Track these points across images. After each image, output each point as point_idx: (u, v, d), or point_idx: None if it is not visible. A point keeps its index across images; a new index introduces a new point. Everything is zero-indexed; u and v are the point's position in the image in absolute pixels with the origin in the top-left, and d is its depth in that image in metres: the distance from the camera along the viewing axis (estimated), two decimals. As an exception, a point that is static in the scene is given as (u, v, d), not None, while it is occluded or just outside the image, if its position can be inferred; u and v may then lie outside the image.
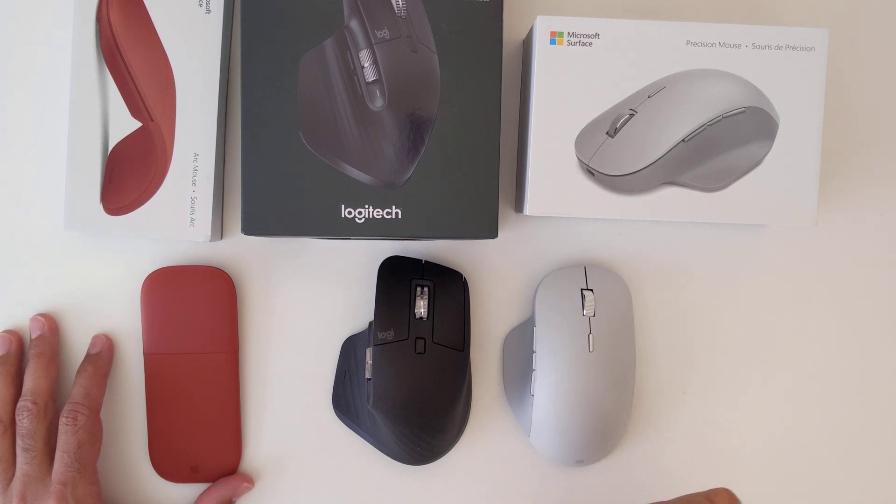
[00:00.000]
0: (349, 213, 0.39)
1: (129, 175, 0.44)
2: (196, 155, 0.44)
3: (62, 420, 0.42)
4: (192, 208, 0.44)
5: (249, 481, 0.46)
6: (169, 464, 0.46)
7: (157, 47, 0.44)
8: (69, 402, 0.43)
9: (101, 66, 0.44)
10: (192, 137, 0.44)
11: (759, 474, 0.48)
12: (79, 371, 0.45)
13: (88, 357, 0.45)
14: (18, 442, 0.42)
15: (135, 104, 0.44)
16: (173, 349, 0.46)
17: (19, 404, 0.43)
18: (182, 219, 0.44)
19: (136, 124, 0.44)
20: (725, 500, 0.43)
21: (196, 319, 0.46)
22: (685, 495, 0.42)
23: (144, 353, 0.46)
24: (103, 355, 0.45)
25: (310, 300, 0.47)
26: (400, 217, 0.40)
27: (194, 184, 0.44)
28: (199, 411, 0.46)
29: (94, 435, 0.43)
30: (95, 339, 0.46)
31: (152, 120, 0.44)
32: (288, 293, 0.47)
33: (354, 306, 0.47)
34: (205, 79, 0.44)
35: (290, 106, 0.39)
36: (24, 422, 0.42)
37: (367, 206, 0.39)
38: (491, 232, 0.40)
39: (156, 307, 0.46)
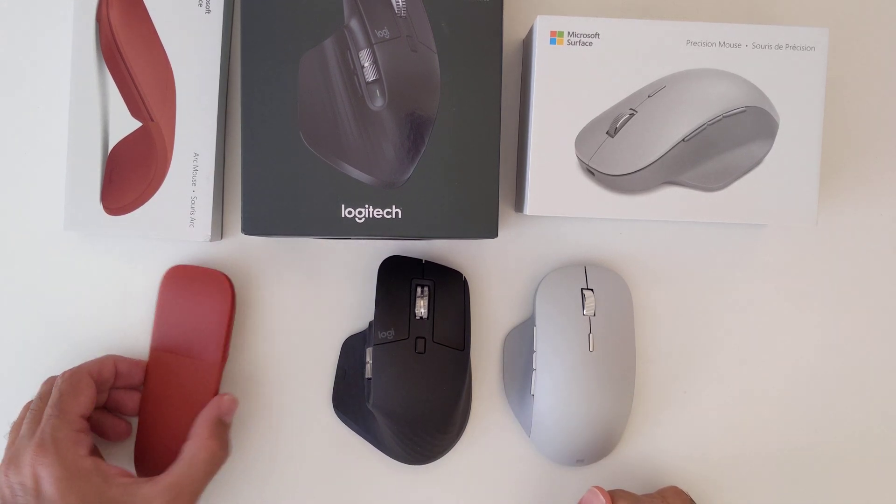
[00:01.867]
0: (349, 212, 0.39)
1: (129, 175, 0.44)
2: (196, 155, 0.44)
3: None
4: (192, 208, 0.44)
5: (231, 396, 0.44)
6: (151, 464, 0.45)
7: (157, 47, 0.44)
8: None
9: (101, 66, 0.44)
10: (192, 137, 0.44)
11: (759, 474, 0.48)
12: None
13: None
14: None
15: (135, 104, 0.44)
16: (177, 349, 0.45)
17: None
18: (182, 219, 0.44)
19: (136, 124, 0.44)
20: (677, 497, 0.42)
21: (199, 323, 0.45)
22: (643, 495, 0.42)
23: (151, 348, 0.46)
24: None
25: (310, 300, 0.47)
26: (400, 217, 0.40)
27: (194, 184, 0.44)
28: (189, 415, 0.44)
29: (76, 387, 0.41)
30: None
31: (152, 120, 0.44)
32: (288, 293, 0.47)
33: (354, 306, 0.47)
34: (205, 79, 0.44)
35: (290, 106, 0.39)
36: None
37: (367, 206, 0.39)
38: (491, 232, 0.40)
39: (169, 304, 0.46)
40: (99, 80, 0.44)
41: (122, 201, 0.44)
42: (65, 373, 0.42)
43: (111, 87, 0.44)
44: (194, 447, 0.41)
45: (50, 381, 0.43)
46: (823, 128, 0.41)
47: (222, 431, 0.43)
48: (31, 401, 0.42)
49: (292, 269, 0.47)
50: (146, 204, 0.44)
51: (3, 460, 0.40)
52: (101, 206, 0.44)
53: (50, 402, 0.41)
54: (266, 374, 0.47)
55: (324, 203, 0.39)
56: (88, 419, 0.42)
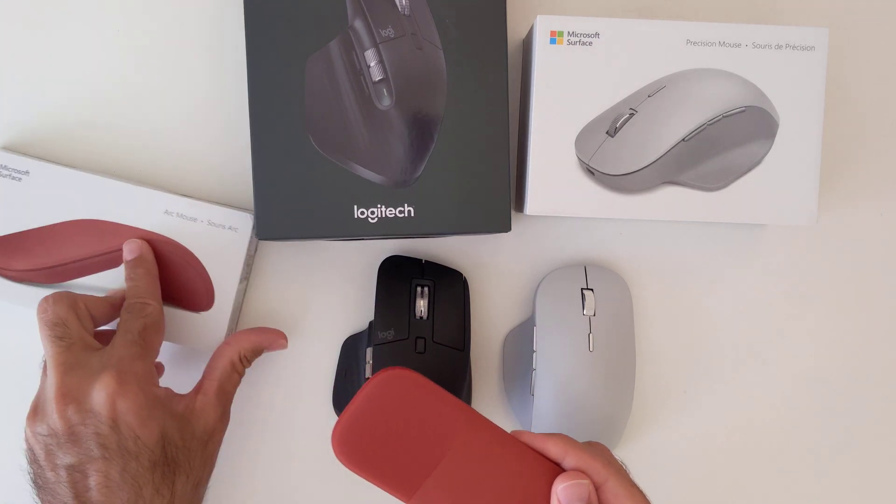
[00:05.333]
0: (362, 213, 0.39)
1: None
2: None
3: (125, 312, 0.40)
4: None
5: (285, 338, 0.45)
6: None
7: None
8: (130, 298, 0.41)
9: None
10: None
11: (759, 474, 0.48)
12: (129, 276, 0.42)
13: (132, 262, 0.42)
14: (118, 336, 0.40)
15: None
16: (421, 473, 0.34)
17: (132, 302, 0.41)
18: None
19: None
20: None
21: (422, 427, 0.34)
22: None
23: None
24: (146, 257, 0.43)
25: (310, 300, 0.47)
26: (412, 215, 0.40)
27: None
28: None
29: (159, 325, 0.41)
30: (130, 244, 0.43)
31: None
32: (288, 293, 0.47)
33: (354, 306, 0.47)
34: None
35: (297, 109, 0.39)
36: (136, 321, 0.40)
37: (379, 206, 0.39)
38: (504, 226, 0.40)
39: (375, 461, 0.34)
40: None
41: None
42: (145, 302, 0.41)
43: None
44: (226, 356, 0.42)
45: (65, 302, 0.39)
46: (823, 128, 0.42)
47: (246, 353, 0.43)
48: (53, 322, 0.39)
49: (292, 269, 0.47)
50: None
51: (58, 391, 0.37)
52: None
53: (129, 328, 0.40)
54: (266, 373, 0.47)
55: (336, 205, 0.39)
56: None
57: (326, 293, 0.47)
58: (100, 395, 0.37)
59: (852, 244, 0.48)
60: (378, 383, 0.34)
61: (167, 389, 0.41)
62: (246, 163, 0.43)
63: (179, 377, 0.45)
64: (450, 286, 0.45)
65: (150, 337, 0.40)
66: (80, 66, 0.46)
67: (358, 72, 0.39)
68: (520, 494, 0.34)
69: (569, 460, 0.34)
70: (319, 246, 0.47)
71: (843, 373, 0.48)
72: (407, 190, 0.39)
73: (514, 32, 0.46)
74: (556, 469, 0.34)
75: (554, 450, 0.34)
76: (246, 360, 0.43)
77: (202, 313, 0.44)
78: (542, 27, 0.41)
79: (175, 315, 0.44)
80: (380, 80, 0.39)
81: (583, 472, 0.34)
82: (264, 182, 0.39)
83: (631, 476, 0.36)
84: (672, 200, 0.41)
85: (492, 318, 0.47)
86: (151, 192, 0.43)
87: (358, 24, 0.39)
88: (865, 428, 0.48)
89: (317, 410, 0.47)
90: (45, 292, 0.41)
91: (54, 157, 0.45)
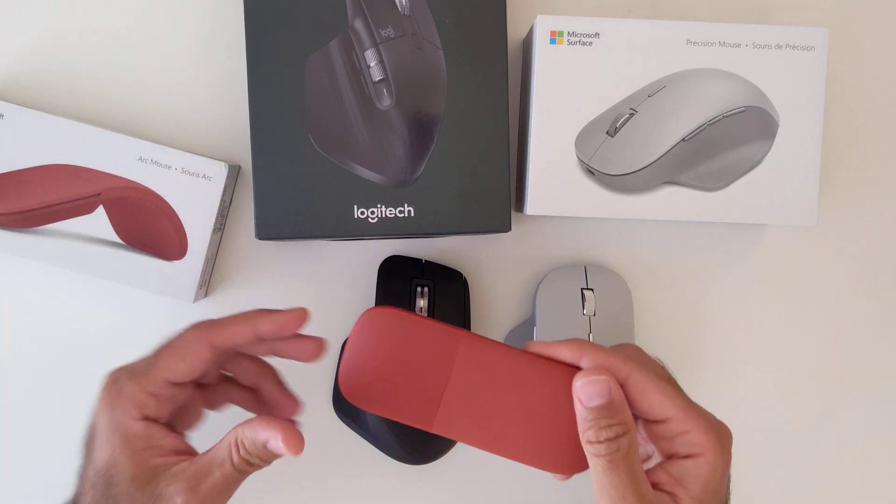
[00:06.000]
0: (362, 213, 0.39)
1: None
2: None
3: None
4: None
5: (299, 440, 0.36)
6: None
7: None
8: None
9: None
10: None
11: (758, 473, 0.48)
12: None
13: None
14: None
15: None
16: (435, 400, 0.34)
17: None
18: None
19: None
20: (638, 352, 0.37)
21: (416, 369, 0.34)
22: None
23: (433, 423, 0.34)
24: None
25: (310, 300, 0.47)
26: (412, 215, 0.40)
27: None
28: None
29: (183, 351, 0.35)
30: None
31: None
32: (288, 293, 0.47)
33: (354, 306, 0.47)
34: None
35: (297, 109, 0.39)
36: None
37: (379, 206, 0.39)
38: (503, 225, 0.40)
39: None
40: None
41: None
42: (195, 328, 0.35)
43: None
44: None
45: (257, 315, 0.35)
46: (823, 128, 0.42)
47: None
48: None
49: (292, 268, 0.47)
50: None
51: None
52: None
53: (154, 348, 0.35)
54: (266, 374, 0.47)
55: (336, 205, 0.39)
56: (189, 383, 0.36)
57: (326, 293, 0.47)
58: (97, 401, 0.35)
59: (852, 244, 0.48)
60: (363, 322, 0.33)
61: (154, 430, 0.35)
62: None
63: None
64: (450, 286, 0.45)
65: (162, 360, 0.35)
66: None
67: (358, 72, 0.39)
68: (540, 400, 0.33)
69: (585, 361, 0.32)
70: (319, 246, 0.47)
71: (843, 372, 0.48)
72: (407, 190, 0.39)
73: (514, 32, 0.46)
74: (575, 371, 0.33)
75: (568, 354, 0.33)
76: (244, 448, 0.36)
77: (175, 262, 0.43)
78: (542, 27, 0.41)
79: (147, 263, 0.44)
80: (380, 80, 0.39)
81: (604, 369, 0.32)
82: (264, 182, 0.39)
83: (669, 371, 0.34)
84: (672, 200, 0.41)
85: (492, 318, 0.47)
86: (126, 138, 0.43)
87: (358, 24, 0.39)
88: (865, 427, 0.48)
89: (317, 410, 0.47)
90: (16, 237, 0.40)
91: (29, 101, 0.45)
